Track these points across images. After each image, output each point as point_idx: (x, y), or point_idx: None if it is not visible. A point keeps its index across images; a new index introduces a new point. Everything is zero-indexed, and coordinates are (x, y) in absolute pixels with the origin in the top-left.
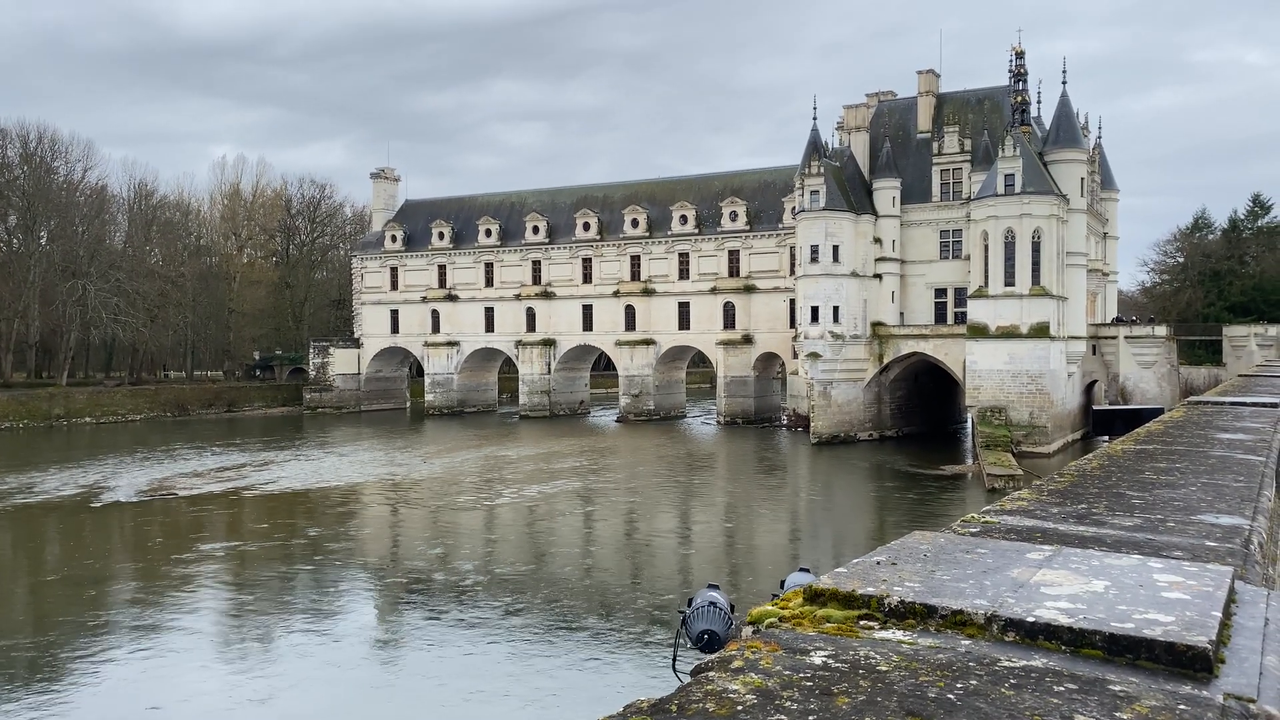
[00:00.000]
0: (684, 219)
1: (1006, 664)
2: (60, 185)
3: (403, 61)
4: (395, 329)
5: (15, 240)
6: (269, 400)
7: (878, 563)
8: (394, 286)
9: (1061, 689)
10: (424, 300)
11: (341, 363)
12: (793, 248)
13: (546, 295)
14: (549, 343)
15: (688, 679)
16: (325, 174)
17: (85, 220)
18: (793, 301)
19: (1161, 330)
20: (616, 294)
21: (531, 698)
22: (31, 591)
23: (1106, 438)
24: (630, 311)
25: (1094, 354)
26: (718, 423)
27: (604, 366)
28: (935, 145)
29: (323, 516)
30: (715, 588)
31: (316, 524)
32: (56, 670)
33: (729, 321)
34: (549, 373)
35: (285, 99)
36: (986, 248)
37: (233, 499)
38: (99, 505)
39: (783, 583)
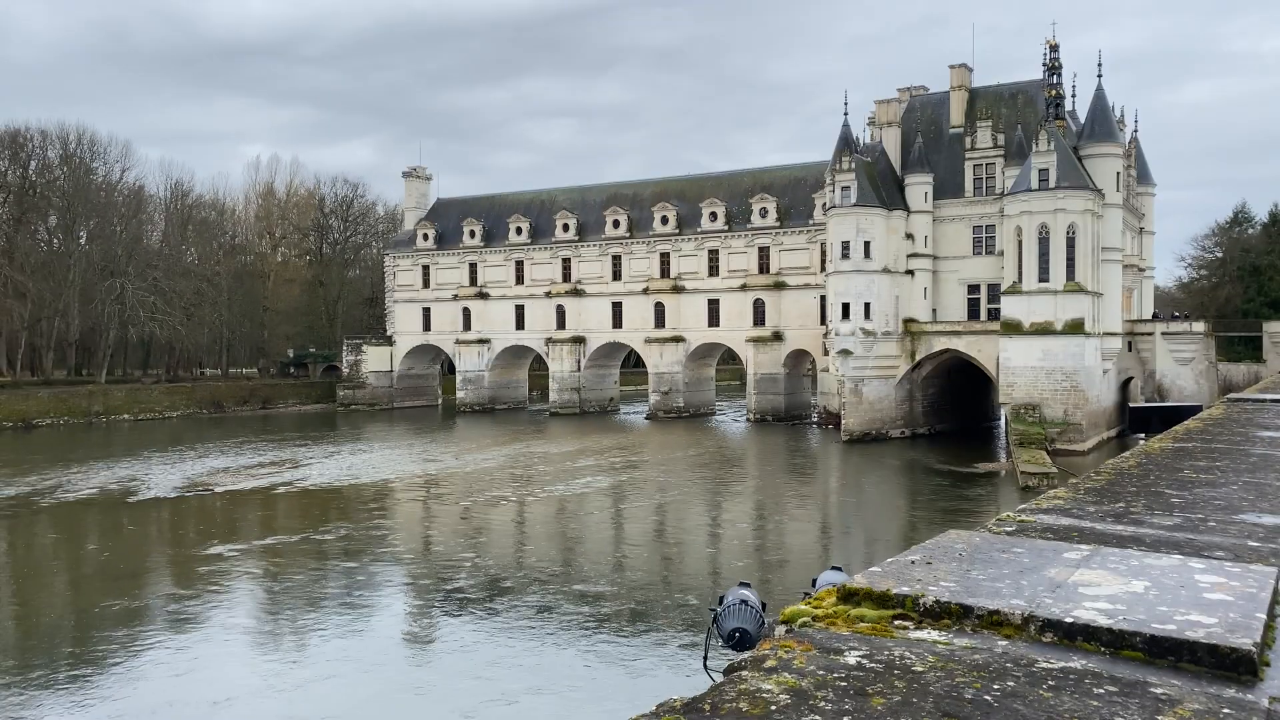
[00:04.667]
0: (714, 216)
1: (1044, 665)
2: (99, 186)
3: (432, 59)
4: (427, 327)
5: (55, 240)
6: (303, 397)
7: (912, 562)
8: (426, 284)
9: (1101, 691)
10: (455, 298)
11: (374, 360)
12: (823, 244)
13: (576, 293)
14: (579, 340)
15: (720, 678)
16: (357, 172)
17: (123, 220)
18: (823, 298)
19: (1199, 326)
20: (646, 291)
21: (563, 695)
22: (71, 585)
23: (1143, 436)
24: (660, 309)
25: (1130, 350)
26: (748, 420)
27: (633, 364)
28: (968, 140)
29: (356, 513)
30: (747, 586)
31: (349, 520)
32: (95, 662)
33: (759, 318)
34: (579, 370)
35: (316, 98)
36: (1020, 243)
37: (267, 495)
38: (136, 501)
39: (814, 581)
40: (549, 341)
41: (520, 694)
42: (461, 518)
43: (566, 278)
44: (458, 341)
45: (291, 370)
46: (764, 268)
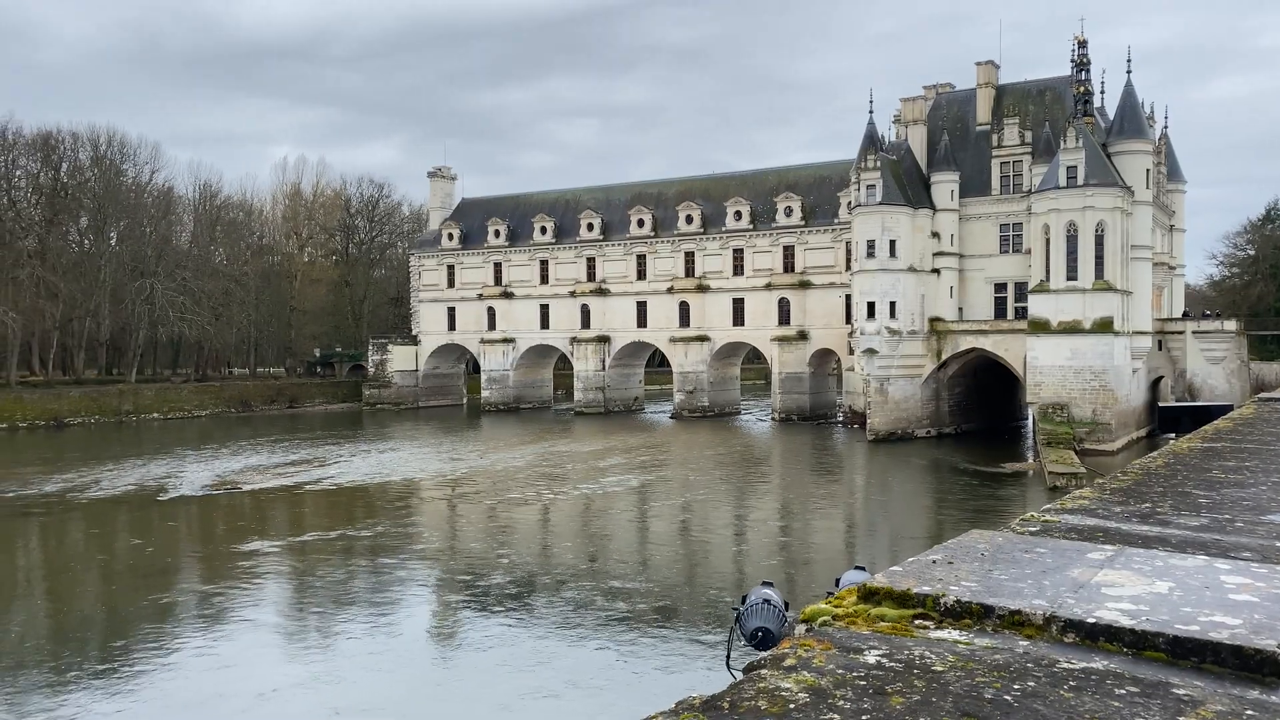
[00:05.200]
0: (738, 215)
1: (1066, 665)
2: (129, 187)
3: (455, 59)
4: (452, 326)
5: (87, 241)
6: (329, 396)
7: (934, 561)
8: (451, 284)
9: (1123, 692)
10: (480, 298)
11: (400, 360)
12: (848, 243)
13: (601, 292)
14: (603, 339)
15: (741, 676)
16: (383, 173)
17: (153, 221)
18: (848, 297)
19: (1231, 325)
20: (670, 290)
21: (586, 692)
22: (103, 581)
23: (1173, 435)
24: (684, 308)
25: (1160, 349)
26: (773, 419)
27: (658, 363)
28: (995, 137)
29: (382, 511)
30: (769, 585)
31: (376, 518)
32: (125, 657)
33: (784, 317)
34: (603, 369)
35: (341, 99)
36: (1048, 241)
37: (294, 493)
38: (166, 499)
39: (837, 581)
40: (574, 341)
41: (544, 691)
42: (487, 516)
43: (591, 277)
44: (483, 341)
45: (318, 370)
46: (789, 267)
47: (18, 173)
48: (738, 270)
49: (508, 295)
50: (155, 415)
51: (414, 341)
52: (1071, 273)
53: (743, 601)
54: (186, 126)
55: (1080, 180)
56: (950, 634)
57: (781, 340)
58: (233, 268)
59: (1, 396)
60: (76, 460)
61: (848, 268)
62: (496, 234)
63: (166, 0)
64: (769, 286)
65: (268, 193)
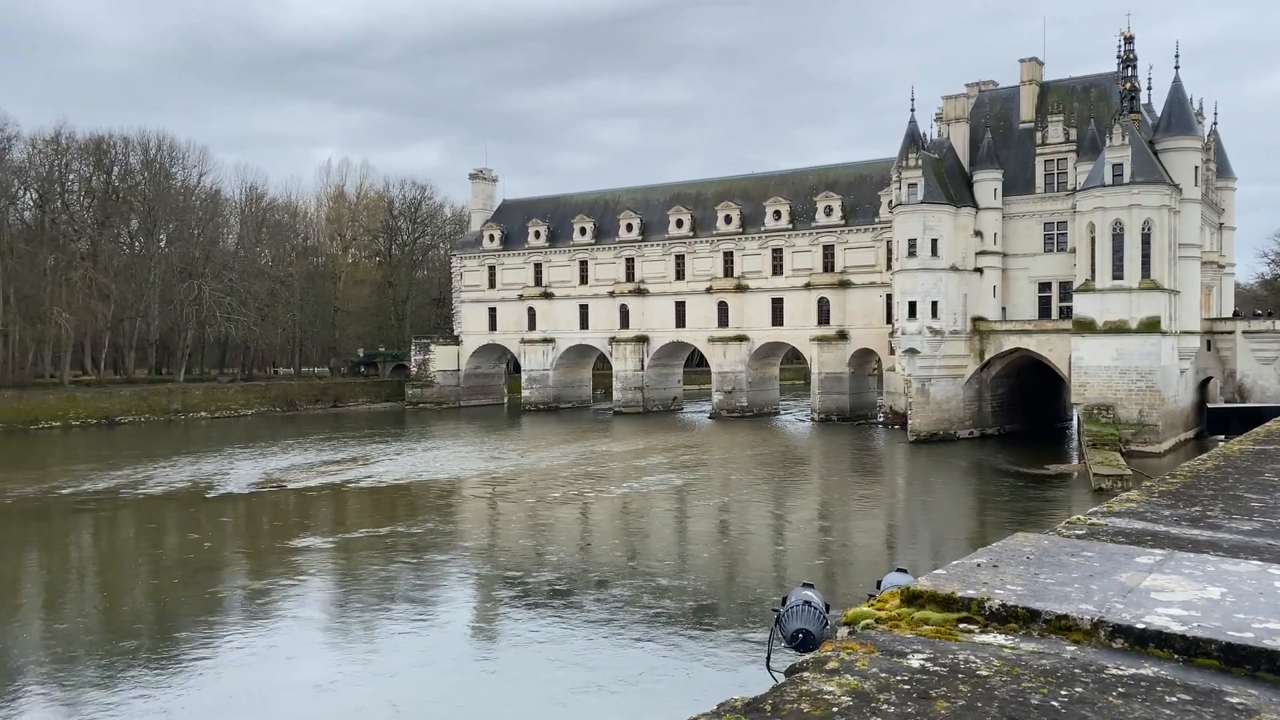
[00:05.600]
0: (777, 214)
1: (1114, 672)
2: (178, 190)
3: (496, 62)
4: (493, 326)
5: (137, 243)
6: (373, 396)
7: (978, 564)
8: (492, 285)
9: (1174, 700)
10: (521, 298)
11: (442, 359)
12: (889, 242)
13: (640, 292)
14: (642, 339)
15: (782, 678)
16: (425, 175)
17: (200, 223)
18: (889, 296)
19: None
20: (709, 290)
21: (625, 692)
22: (153, 576)
23: (1222, 437)
24: (723, 308)
25: (1209, 350)
26: (812, 420)
27: (697, 363)
28: (1039, 135)
29: (425, 509)
30: (810, 586)
31: (418, 516)
32: (178, 650)
33: (823, 317)
34: (642, 369)
35: (385, 101)
36: (1093, 240)
37: (338, 491)
38: (213, 496)
39: (879, 583)
40: (613, 341)
41: (583, 690)
42: (529, 515)
43: (630, 277)
44: (523, 341)
45: (362, 369)
46: (829, 266)
47: (71, 177)
48: (777, 270)
49: (548, 295)
50: (203, 414)
51: (456, 341)
52: (1117, 272)
53: (783, 603)
54: (233, 130)
55: (1126, 178)
56: (995, 638)
57: (821, 340)
58: (278, 269)
59: (56, 395)
60: (128, 458)
61: (888, 267)
62: (537, 235)
63: (216, 6)
64: (808, 286)
65: (312, 195)
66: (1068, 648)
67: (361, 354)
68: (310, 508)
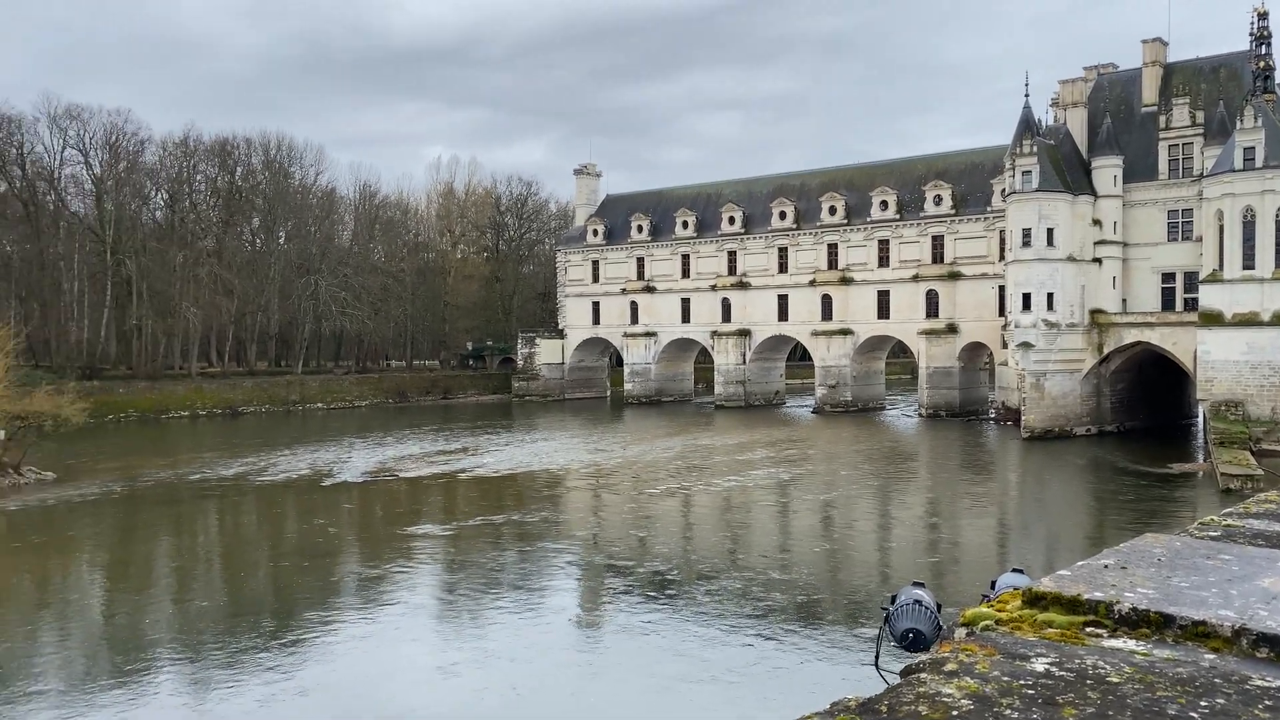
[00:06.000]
0: (884, 204)
1: (1260, 683)
2: (296, 189)
3: (600, 58)
4: (596, 320)
5: (258, 240)
6: (480, 388)
7: (1105, 566)
8: (595, 279)
9: None
10: (623, 292)
11: (547, 353)
12: (1002, 232)
13: (742, 285)
14: (744, 333)
15: (893, 679)
16: (530, 171)
17: (317, 221)
18: (1002, 288)
19: None
20: (813, 283)
21: (728, 685)
22: (272, 561)
23: None
24: (827, 301)
25: None
26: (919, 415)
27: (799, 357)
28: (1162, 119)
29: (531, 499)
30: (921, 585)
31: (524, 506)
32: (296, 632)
33: (932, 310)
34: (744, 363)
35: (492, 99)
36: (1221, 228)
37: (449, 481)
38: (329, 485)
39: (993, 583)
40: (714, 334)
41: (695, 679)
42: (634, 506)
43: (732, 270)
44: (625, 334)
45: (470, 362)
46: (937, 257)
47: (198, 177)
48: (883, 262)
49: (650, 289)
50: (319, 405)
51: (560, 335)
52: (1248, 261)
53: (892, 601)
54: (348, 129)
55: (1259, 162)
56: (1126, 644)
57: (929, 333)
58: (390, 264)
59: (184, 386)
60: (250, 446)
61: (1001, 258)
62: (639, 229)
63: (333, 10)
64: (916, 278)
65: (423, 192)
66: (1206, 656)
67: (470, 347)
68: (422, 496)
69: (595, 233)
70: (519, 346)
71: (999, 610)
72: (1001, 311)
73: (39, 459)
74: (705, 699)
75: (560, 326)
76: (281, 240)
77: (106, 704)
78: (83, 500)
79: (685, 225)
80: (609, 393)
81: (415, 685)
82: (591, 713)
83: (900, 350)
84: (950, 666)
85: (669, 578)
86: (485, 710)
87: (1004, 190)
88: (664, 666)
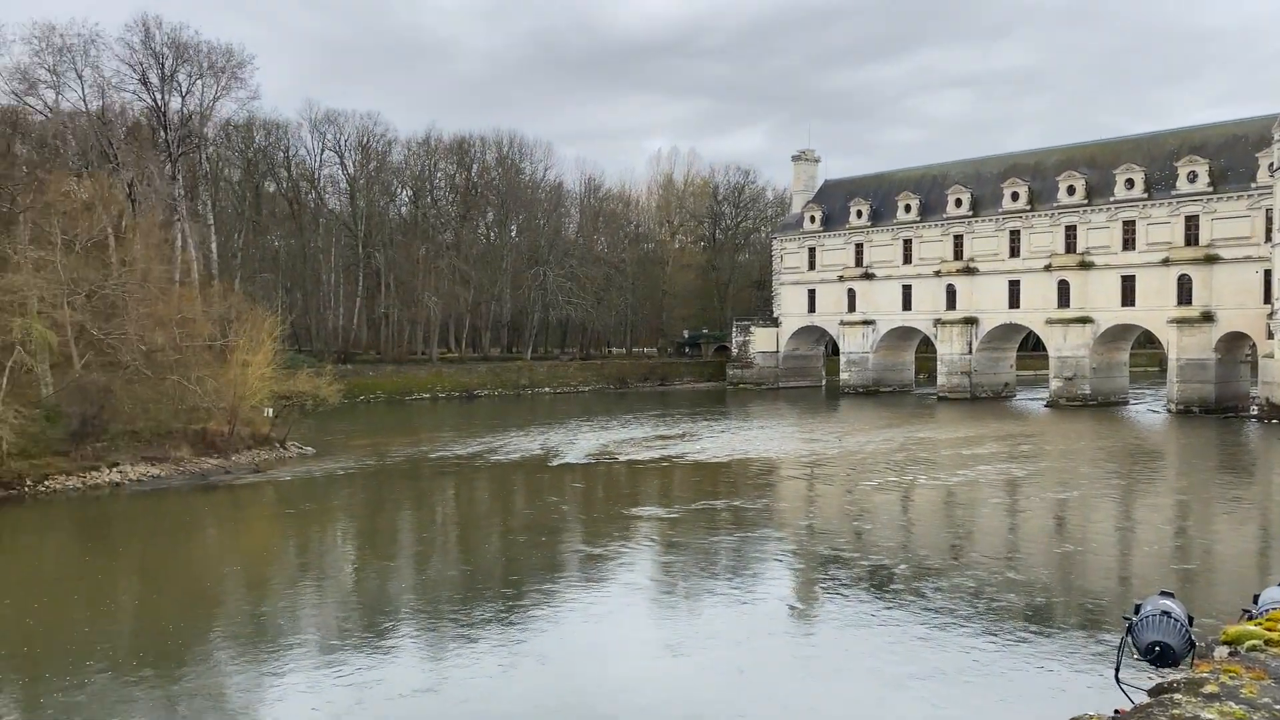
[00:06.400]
0: (1130, 183)
1: None
2: (526, 184)
3: (820, 40)
4: (812, 308)
5: (492, 234)
6: (696, 375)
7: None
8: (811, 266)
9: None
10: (840, 279)
11: (761, 341)
12: (1268, 210)
13: (968, 271)
14: (970, 321)
15: (1135, 693)
16: (748, 159)
17: (546, 214)
18: (1268, 272)
19: None
20: (1048, 268)
21: (951, 686)
22: (503, 535)
23: None
24: (1064, 286)
25: None
26: (1168, 411)
27: (1031, 346)
28: None
29: (743, 486)
30: (1169, 596)
31: (737, 493)
32: (525, 605)
33: (1184, 296)
34: (969, 353)
35: (710, 89)
36: None
37: (664, 465)
38: (554, 465)
39: (1256, 598)
40: (937, 323)
41: (924, 676)
42: (846, 499)
43: (958, 255)
44: (842, 323)
45: (686, 350)
46: (1191, 239)
47: (438, 175)
48: (1127, 244)
49: (868, 276)
50: (546, 389)
51: (775, 323)
52: None
53: (1136, 611)
54: (574, 125)
55: None
56: None
57: (1180, 322)
58: (612, 255)
59: (425, 370)
60: (485, 427)
61: (1268, 239)
62: (859, 214)
63: (563, 8)
64: (1166, 262)
65: (643, 184)
66: None
67: (686, 335)
68: (642, 479)
69: (812, 219)
70: (734, 334)
71: (1269, 629)
72: (1267, 298)
73: (300, 435)
74: (937, 697)
75: (775, 315)
76: (513, 233)
77: (359, 663)
78: (343, 473)
79: (908, 209)
80: (824, 382)
81: (647, 659)
82: (821, 700)
83: (1146, 340)
84: (1210, 689)
85: (894, 572)
86: (713, 690)
87: (1271, 165)
88: (891, 661)
